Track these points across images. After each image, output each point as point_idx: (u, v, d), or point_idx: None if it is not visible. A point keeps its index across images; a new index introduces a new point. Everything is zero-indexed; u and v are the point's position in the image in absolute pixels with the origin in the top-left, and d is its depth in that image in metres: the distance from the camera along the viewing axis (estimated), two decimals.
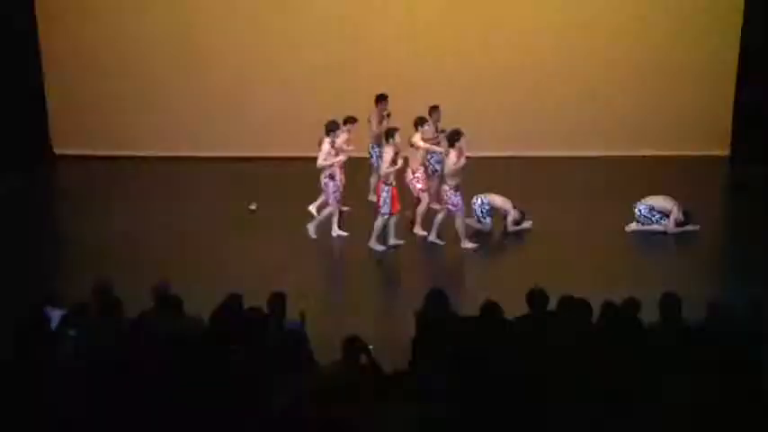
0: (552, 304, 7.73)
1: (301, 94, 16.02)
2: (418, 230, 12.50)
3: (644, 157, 15.92)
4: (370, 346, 7.31)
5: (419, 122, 12.89)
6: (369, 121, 13.77)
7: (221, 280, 9.97)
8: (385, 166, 12.00)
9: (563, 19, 15.90)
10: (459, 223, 12.10)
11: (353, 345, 7.03)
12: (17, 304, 7.83)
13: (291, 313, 7.98)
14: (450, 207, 12.05)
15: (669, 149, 15.98)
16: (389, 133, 12.13)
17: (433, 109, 13.37)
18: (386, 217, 12.02)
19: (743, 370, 6.34)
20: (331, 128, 12.40)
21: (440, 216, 12.24)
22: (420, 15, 16.03)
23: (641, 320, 7.52)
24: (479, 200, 12.76)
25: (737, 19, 15.57)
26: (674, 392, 5.90)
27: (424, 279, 10.86)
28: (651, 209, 12.63)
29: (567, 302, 7.59)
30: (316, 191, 12.93)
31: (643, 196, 12.82)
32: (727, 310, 7.50)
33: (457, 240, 12.10)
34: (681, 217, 12.56)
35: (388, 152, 11.95)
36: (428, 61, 15.93)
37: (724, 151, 16.14)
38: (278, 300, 7.94)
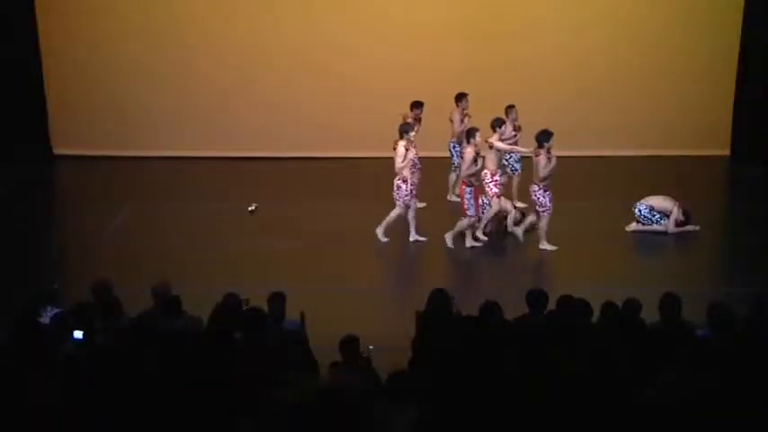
0: (552, 304, 7.73)
1: (302, 94, 16.02)
2: (479, 234, 12.41)
3: (644, 156, 15.92)
4: (371, 347, 7.31)
5: (497, 123, 12.82)
6: (450, 120, 13.70)
7: (221, 280, 9.96)
8: (465, 167, 11.92)
9: (563, 19, 15.90)
10: (543, 224, 12.05)
11: (351, 344, 7.04)
12: (17, 304, 7.81)
13: (291, 313, 7.98)
14: (538, 208, 12.02)
15: (669, 149, 15.99)
16: (470, 133, 12.02)
17: (510, 108, 13.30)
18: (473, 219, 11.99)
19: (743, 370, 6.34)
20: (405, 129, 12.24)
21: (531, 217, 12.18)
22: (420, 16, 16.01)
23: (642, 320, 7.53)
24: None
25: (738, 18, 15.57)
26: (674, 392, 5.90)
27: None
28: (651, 209, 12.62)
29: (567, 302, 7.59)
30: (317, 190, 12.93)
31: (643, 196, 12.81)
32: (728, 310, 7.49)
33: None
34: (681, 217, 12.55)
35: (469, 152, 11.87)
36: (428, 62, 15.92)
37: (724, 151, 16.15)
38: (278, 300, 7.93)
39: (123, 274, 9.85)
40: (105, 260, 11.52)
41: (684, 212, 12.57)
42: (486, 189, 12.36)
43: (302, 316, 8.19)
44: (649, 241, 12.41)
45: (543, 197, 11.92)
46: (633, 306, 7.65)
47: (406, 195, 12.18)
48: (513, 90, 16.04)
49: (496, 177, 12.43)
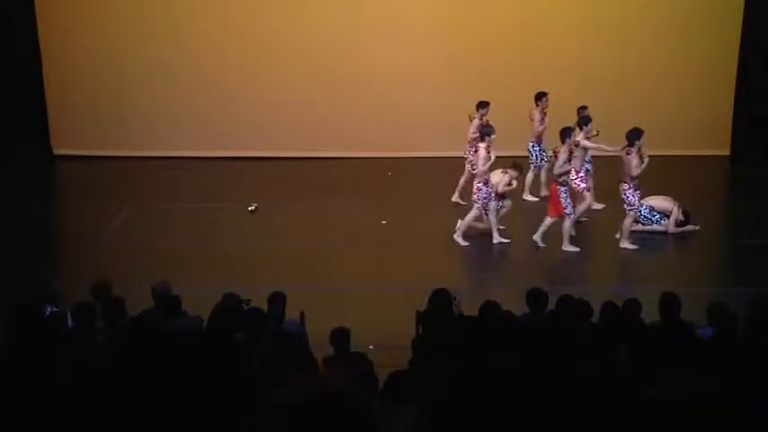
0: (552, 304, 7.74)
1: (302, 94, 16.02)
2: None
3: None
4: (371, 347, 7.32)
5: (583, 121, 12.78)
6: (530, 119, 13.65)
7: (221, 280, 9.97)
8: (558, 165, 11.89)
9: (564, 21, 15.90)
10: (627, 223, 12.05)
11: (341, 336, 7.08)
12: (16, 304, 7.80)
13: (291, 313, 7.98)
14: (626, 207, 12.00)
15: (669, 149, 15.98)
16: (566, 132, 12.01)
17: (582, 109, 13.29)
18: (572, 217, 11.97)
19: (743, 370, 6.34)
20: (487, 132, 12.21)
21: (627, 220, 12.11)
22: (421, 17, 16.01)
23: (642, 320, 7.53)
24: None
25: (738, 19, 15.57)
26: (674, 392, 5.90)
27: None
28: (651, 209, 12.62)
29: (567, 302, 7.60)
30: (317, 190, 12.93)
31: (643, 196, 12.80)
32: (728, 310, 7.49)
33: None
34: (681, 217, 12.55)
35: (564, 151, 11.85)
36: (428, 62, 15.92)
37: (724, 151, 16.15)
38: (278, 300, 7.94)
39: (123, 274, 9.85)
40: (105, 260, 11.52)
41: (684, 212, 12.56)
42: (574, 186, 12.29)
43: (302, 316, 8.20)
44: (649, 241, 12.41)
45: (633, 196, 11.93)
46: (633, 306, 7.66)
47: (486, 198, 12.15)
48: (512, 90, 16.03)
49: (581, 174, 12.40)
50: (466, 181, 13.50)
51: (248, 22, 16.00)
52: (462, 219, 12.29)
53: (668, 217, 12.55)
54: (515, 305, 7.86)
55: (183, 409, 5.80)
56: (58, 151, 16.47)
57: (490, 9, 15.95)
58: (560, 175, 11.85)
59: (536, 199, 13.80)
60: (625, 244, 12.06)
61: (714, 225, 13.20)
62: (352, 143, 16.06)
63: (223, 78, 16.09)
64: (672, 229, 12.52)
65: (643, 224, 12.63)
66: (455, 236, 12.21)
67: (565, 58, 15.89)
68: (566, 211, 11.86)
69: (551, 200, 12.09)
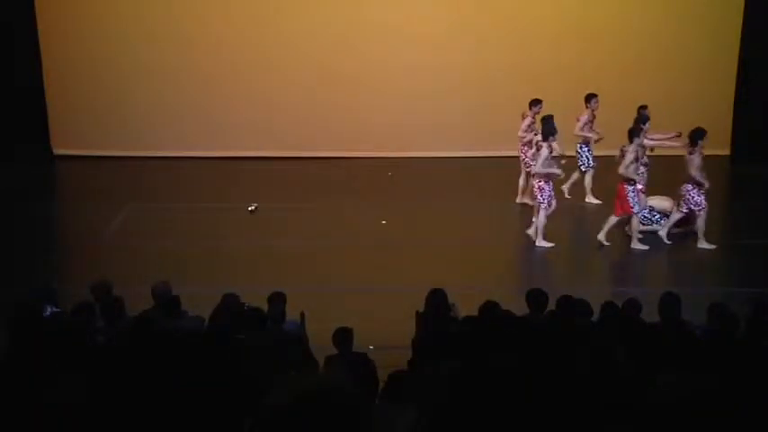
0: (552, 304, 7.73)
1: (301, 94, 16.03)
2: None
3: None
4: (371, 347, 7.32)
5: (641, 121, 12.71)
6: (577, 120, 13.61)
7: (221, 280, 9.97)
8: (625, 165, 11.84)
9: (563, 20, 15.91)
10: (700, 222, 12.06)
11: (345, 336, 7.08)
12: (16, 304, 7.80)
13: (291, 313, 7.98)
14: (692, 206, 12.00)
15: (670, 149, 15.97)
16: (634, 132, 12.00)
17: (642, 108, 13.25)
18: (640, 216, 11.99)
19: (743, 370, 6.34)
20: (549, 132, 12.16)
21: (700, 221, 12.12)
22: (421, 17, 16.02)
23: (642, 320, 7.53)
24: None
25: (738, 19, 15.57)
26: (674, 392, 5.89)
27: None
28: (651, 209, 12.60)
29: (567, 302, 7.59)
30: (317, 190, 12.93)
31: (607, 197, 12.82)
32: (728, 310, 7.49)
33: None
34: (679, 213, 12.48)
35: (632, 151, 11.84)
36: (429, 62, 15.93)
37: (724, 151, 16.14)
38: (278, 300, 7.94)
39: (123, 274, 9.85)
40: (105, 260, 11.52)
41: (686, 216, 12.53)
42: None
43: (302, 316, 8.20)
44: (649, 241, 12.40)
45: (698, 196, 11.94)
46: (633, 306, 7.66)
47: (550, 196, 12.14)
48: (512, 90, 16.05)
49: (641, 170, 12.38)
50: (525, 180, 13.54)
51: (248, 22, 16.00)
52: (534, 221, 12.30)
53: (667, 217, 12.53)
54: (515, 305, 7.85)
55: (183, 410, 5.80)
56: (57, 151, 16.48)
57: (490, 9, 15.95)
58: (628, 175, 11.82)
59: (599, 201, 13.71)
60: (703, 243, 12.06)
61: (714, 225, 13.19)
62: (352, 143, 16.07)
63: (223, 78, 16.10)
64: (672, 229, 12.47)
65: (643, 225, 12.61)
66: (537, 243, 12.14)
67: (564, 58, 15.90)
68: (633, 209, 11.87)
69: (618, 198, 12.06)
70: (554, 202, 12.22)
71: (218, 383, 6.08)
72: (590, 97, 13.74)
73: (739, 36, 15.65)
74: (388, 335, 8.71)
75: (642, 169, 12.49)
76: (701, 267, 11.83)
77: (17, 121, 15.62)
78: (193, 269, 11.14)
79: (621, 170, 11.88)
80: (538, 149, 12.26)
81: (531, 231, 12.29)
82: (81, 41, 16.04)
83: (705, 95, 15.88)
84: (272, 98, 16.06)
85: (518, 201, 13.82)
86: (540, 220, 12.14)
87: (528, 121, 13.41)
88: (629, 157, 11.82)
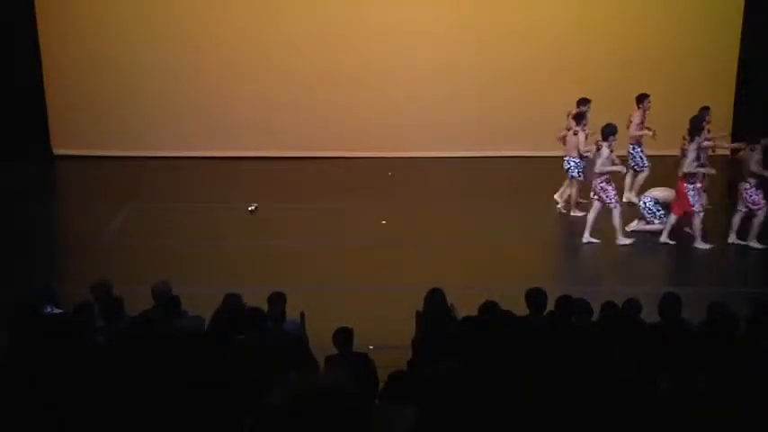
0: (552, 304, 7.73)
1: (301, 94, 16.03)
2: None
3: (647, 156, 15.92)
4: (371, 347, 7.32)
5: (702, 121, 12.70)
6: (630, 121, 13.52)
7: (221, 280, 9.97)
8: (687, 164, 11.84)
9: (564, 20, 15.91)
10: (758, 222, 12.04)
11: (345, 336, 7.08)
12: (16, 304, 7.81)
13: (291, 313, 7.98)
14: (751, 206, 12.00)
15: (669, 149, 15.97)
16: (695, 131, 11.99)
17: (704, 110, 13.21)
18: (702, 214, 11.98)
19: (743, 370, 6.34)
20: (609, 131, 12.12)
21: (757, 220, 12.09)
22: (421, 17, 16.01)
23: (642, 320, 7.53)
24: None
25: (738, 19, 15.58)
26: (674, 392, 5.90)
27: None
28: (656, 201, 12.52)
29: (567, 302, 7.60)
30: (317, 190, 12.92)
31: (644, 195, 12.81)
32: (728, 310, 7.49)
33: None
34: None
35: (693, 150, 11.84)
36: (429, 62, 15.93)
37: (724, 151, 16.13)
38: (278, 300, 7.94)
39: (123, 274, 9.85)
40: (105, 260, 11.52)
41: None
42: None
43: (302, 316, 8.20)
44: (649, 241, 12.41)
45: (756, 194, 11.93)
46: (633, 306, 7.66)
47: (615, 194, 12.14)
48: (513, 90, 16.07)
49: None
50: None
51: (248, 22, 16.00)
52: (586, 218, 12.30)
53: (671, 212, 12.42)
54: (515, 305, 7.85)
55: (183, 410, 5.80)
56: (57, 151, 16.48)
57: (491, 9, 15.95)
58: (691, 174, 11.82)
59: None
60: (755, 244, 12.06)
61: (714, 225, 13.18)
62: (352, 143, 16.07)
63: (223, 78, 16.10)
64: (673, 222, 12.37)
65: (647, 220, 12.54)
66: (617, 240, 12.15)
67: (564, 58, 15.90)
68: (694, 208, 11.88)
69: (678, 197, 12.06)
70: (617, 203, 12.20)
71: (218, 383, 6.08)
72: (642, 97, 13.65)
73: (739, 36, 15.65)
74: (388, 335, 8.71)
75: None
76: (700, 267, 11.83)
77: (17, 121, 15.62)
78: (193, 269, 11.14)
79: (686, 168, 11.90)
80: (598, 150, 12.19)
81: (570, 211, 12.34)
82: (81, 41, 16.04)
83: (705, 95, 15.86)
84: (272, 98, 16.06)
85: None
86: (615, 219, 12.11)
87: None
88: (691, 155, 11.83)
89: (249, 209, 13.53)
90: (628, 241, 12.15)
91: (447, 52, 15.90)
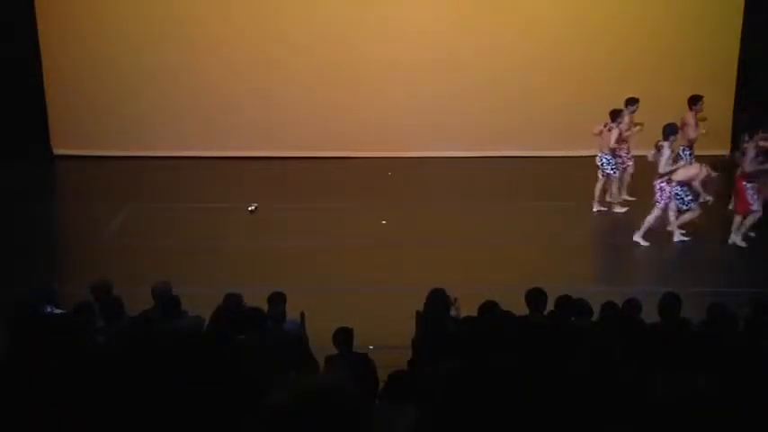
0: (552, 304, 7.73)
1: (302, 94, 16.02)
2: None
3: (645, 156, 15.90)
4: (371, 347, 7.32)
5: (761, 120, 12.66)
6: (683, 124, 13.39)
7: (221, 280, 9.97)
8: (748, 162, 11.83)
9: (564, 20, 15.90)
10: (745, 221, 12.07)
11: (344, 336, 7.08)
12: (16, 304, 7.81)
13: (291, 313, 7.98)
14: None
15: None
16: (757, 129, 11.95)
17: (760, 106, 13.16)
18: (758, 214, 11.98)
19: (743, 370, 6.34)
20: (671, 131, 12.10)
21: (746, 221, 12.12)
22: (423, 16, 16.00)
23: (642, 320, 7.53)
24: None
25: (738, 19, 15.57)
26: (674, 392, 5.90)
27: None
28: (683, 185, 12.19)
29: (567, 302, 7.60)
30: (317, 190, 12.90)
31: (643, 195, 12.79)
32: (728, 310, 7.49)
33: None
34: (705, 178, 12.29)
35: (753, 148, 11.83)
36: (429, 62, 15.92)
37: (724, 151, 16.14)
38: (278, 300, 7.94)
39: (123, 274, 9.85)
40: (105, 260, 11.52)
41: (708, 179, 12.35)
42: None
43: (302, 316, 8.20)
44: (650, 241, 12.40)
45: (752, 196, 11.94)
46: (633, 306, 7.66)
47: (669, 197, 12.13)
48: (513, 90, 16.06)
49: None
50: (630, 176, 13.60)
51: (248, 23, 15.99)
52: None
53: (698, 198, 12.32)
54: (515, 305, 7.85)
55: (183, 410, 5.80)
56: (57, 151, 16.48)
57: (491, 9, 15.94)
58: (752, 173, 11.83)
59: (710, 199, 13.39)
60: (738, 239, 12.11)
61: (714, 225, 13.19)
62: (352, 143, 16.06)
63: (223, 78, 16.09)
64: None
65: (679, 210, 12.40)
66: (635, 237, 12.18)
67: (565, 59, 15.89)
68: (752, 207, 11.90)
69: (738, 196, 12.08)
70: (672, 204, 12.16)
71: (217, 383, 6.08)
72: (696, 99, 13.57)
73: (739, 36, 15.64)
74: (388, 335, 8.72)
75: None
76: (700, 267, 11.83)
77: (17, 121, 15.62)
78: (193, 269, 11.14)
79: (747, 168, 11.90)
80: (658, 150, 12.13)
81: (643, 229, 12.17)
82: (81, 41, 16.03)
83: (705, 95, 15.86)
84: (272, 98, 16.05)
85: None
86: (650, 217, 12.12)
87: (627, 120, 13.31)
88: (751, 153, 11.83)
89: (249, 209, 13.53)
90: (644, 243, 12.15)
91: (447, 52, 15.89)
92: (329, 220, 13.12)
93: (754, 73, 15.56)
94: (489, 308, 7.47)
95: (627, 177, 13.82)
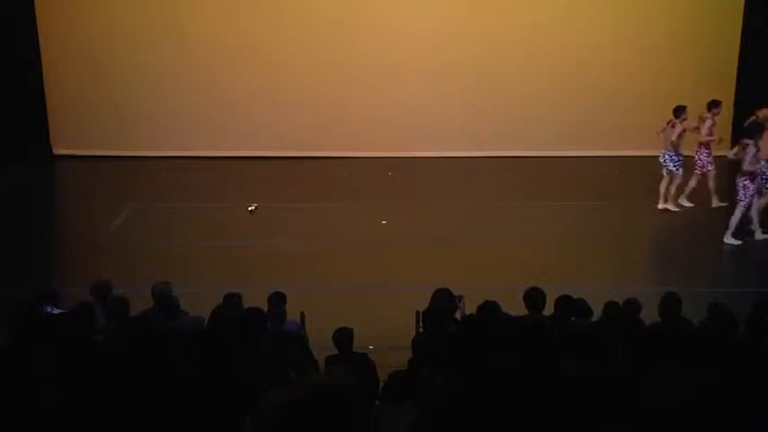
0: (552, 304, 7.73)
1: (302, 94, 16.03)
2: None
3: (645, 156, 15.91)
4: (371, 347, 7.32)
5: None
6: (701, 123, 13.39)
7: (221, 280, 9.96)
8: (749, 161, 11.86)
9: (564, 20, 15.91)
10: (733, 219, 12.13)
11: (344, 336, 7.08)
12: (16, 304, 7.81)
13: (291, 313, 7.98)
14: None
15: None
16: (757, 129, 12.02)
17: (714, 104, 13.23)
18: (743, 208, 12.02)
19: (743, 370, 6.34)
20: (757, 129, 12.06)
21: (733, 217, 12.16)
22: (423, 17, 16.01)
23: (642, 320, 7.52)
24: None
25: (738, 19, 15.58)
26: (674, 392, 5.90)
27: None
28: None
29: (567, 302, 7.59)
30: (317, 190, 12.90)
31: (642, 195, 12.80)
32: (728, 310, 7.49)
33: None
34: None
35: (751, 148, 11.86)
36: (429, 62, 15.93)
37: (725, 151, 16.13)
38: (278, 299, 7.94)
39: (123, 274, 9.85)
40: (105, 260, 11.52)
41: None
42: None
43: (302, 316, 8.20)
44: (651, 241, 12.41)
45: (744, 188, 11.96)
46: (633, 306, 7.65)
47: (752, 196, 12.12)
48: (512, 90, 16.07)
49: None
50: (697, 182, 13.55)
51: (249, 22, 16.00)
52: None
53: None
54: (515, 305, 7.85)
55: (183, 410, 5.80)
56: (57, 151, 16.49)
57: (492, 10, 15.94)
58: (751, 172, 11.86)
59: (724, 204, 13.47)
60: (729, 239, 12.17)
61: (714, 225, 13.19)
62: (352, 143, 16.07)
63: (223, 78, 16.09)
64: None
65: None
66: (725, 238, 12.19)
67: (565, 59, 15.90)
68: (742, 201, 11.96)
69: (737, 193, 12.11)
70: (755, 200, 12.19)
71: (217, 383, 6.08)
72: (716, 104, 13.53)
73: (739, 36, 15.65)
74: (388, 335, 8.71)
75: None
76: (701, 267, 11.83)
77: (17, 120, 15.62)
78: (193, 269, 11.14)
79: (746, 167, 11.93)
80: (743, 148, 12.06)
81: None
82: (81, 41, 16.03)
83: (705, 95, 15.87)
84: (273, 98, 16.06)
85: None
86: (735, 216, 12.11)
87: (709, 123, 13.26)
88: (751, 151, 11.84)
89: (249, 209, 13.53)
90: (735, 242, 12.17)
91: (447, 52, 15.89)
92: (329, 220, 13.12)
93: (754, 73, 15.56)
94: (489, 308, 7.47)
95: (711, 183, 13.62)
